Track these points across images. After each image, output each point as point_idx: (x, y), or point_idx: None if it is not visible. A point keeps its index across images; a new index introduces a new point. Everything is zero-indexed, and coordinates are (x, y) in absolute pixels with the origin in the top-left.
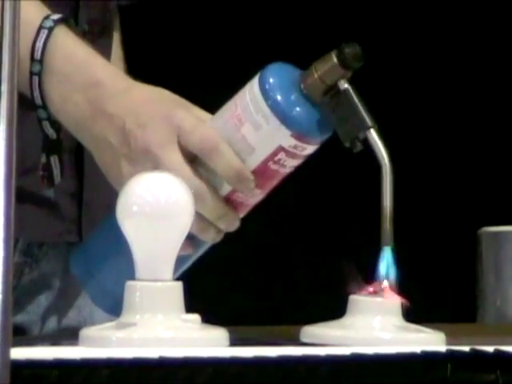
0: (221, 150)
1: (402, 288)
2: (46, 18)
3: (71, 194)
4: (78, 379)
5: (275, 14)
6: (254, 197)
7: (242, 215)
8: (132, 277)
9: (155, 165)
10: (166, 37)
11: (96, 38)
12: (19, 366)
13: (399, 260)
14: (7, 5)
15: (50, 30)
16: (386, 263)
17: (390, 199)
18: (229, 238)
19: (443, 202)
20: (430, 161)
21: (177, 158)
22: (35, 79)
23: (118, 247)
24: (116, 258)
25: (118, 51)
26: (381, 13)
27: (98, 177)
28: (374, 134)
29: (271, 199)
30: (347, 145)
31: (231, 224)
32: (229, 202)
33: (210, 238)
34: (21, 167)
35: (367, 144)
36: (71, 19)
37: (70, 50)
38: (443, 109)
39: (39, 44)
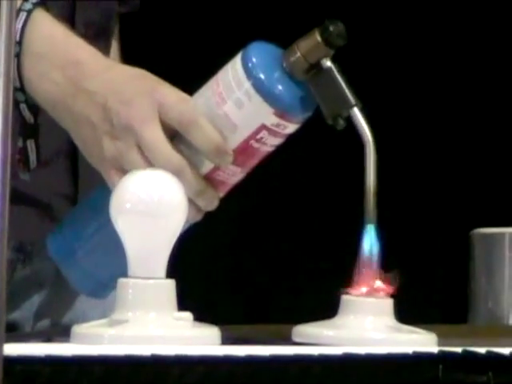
0: (200, 123)
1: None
2: (25, 0)
3: (65, 196)
4: (70, 376)
5: None
6: (234, 176)
7: (222, 194)
8: (114, 257)
9: (136, 141)
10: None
11: (92, 41)
12: (12, 362)
13: (391, 261)
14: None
15: (29, 12)
16: (370, 240)
17: (374, 177)
18: (219, 234)
19: (436, 202)
20: (420, 163)
21: (157, 134)
22: (14, 61)
23: (98, 228)
24: (96, 239)
25: (116, 59)
26: None
27: (93, 179)
28: (357, 112)
29: (258, 186)
30: (330, 122)
31: (210, 202)
32: (209, 180)
33: (189, 216)
34: (14, 168)
35: (350, 122)
36: (49, 2)
37: (48, 31)
38: (435, 99)
39: (18, 26)
